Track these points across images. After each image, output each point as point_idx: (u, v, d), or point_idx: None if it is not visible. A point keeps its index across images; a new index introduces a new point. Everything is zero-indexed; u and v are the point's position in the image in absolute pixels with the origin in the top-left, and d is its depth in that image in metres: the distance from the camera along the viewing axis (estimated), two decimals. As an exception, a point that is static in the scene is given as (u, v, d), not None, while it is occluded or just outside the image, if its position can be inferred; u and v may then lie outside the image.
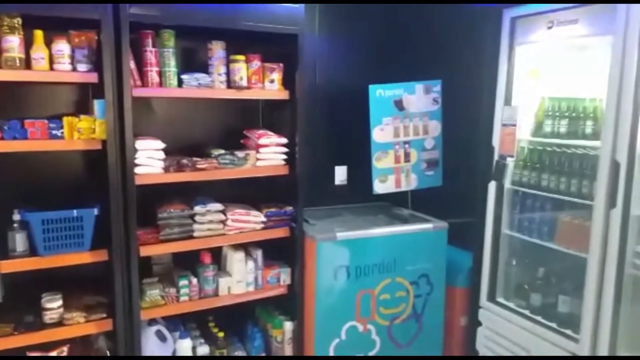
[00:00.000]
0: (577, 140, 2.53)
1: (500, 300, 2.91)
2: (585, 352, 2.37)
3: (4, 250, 2.21)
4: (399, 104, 3.05)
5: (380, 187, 3.08)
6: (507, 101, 2.72)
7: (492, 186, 2.85)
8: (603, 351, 2.31)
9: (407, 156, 3.13)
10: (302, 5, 2.59)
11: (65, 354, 2.37)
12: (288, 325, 2.85)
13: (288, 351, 2.86)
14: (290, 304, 2.85)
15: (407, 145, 3.11)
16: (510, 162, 2.75)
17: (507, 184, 2.81)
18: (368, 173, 3.04)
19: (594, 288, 2.33)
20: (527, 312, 2.74)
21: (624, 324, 2.31)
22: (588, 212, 2.35)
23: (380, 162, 3.06)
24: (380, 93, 2.99)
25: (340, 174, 3.35)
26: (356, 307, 2.83)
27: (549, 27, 2.48)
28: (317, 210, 3.20)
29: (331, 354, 2.81)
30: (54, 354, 2.35)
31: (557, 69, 2.68)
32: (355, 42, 3.34)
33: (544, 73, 2.71)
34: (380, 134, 3.03)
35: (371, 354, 2.91)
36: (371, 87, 2.96)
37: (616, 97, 2.19)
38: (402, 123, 3.07)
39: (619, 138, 2.19)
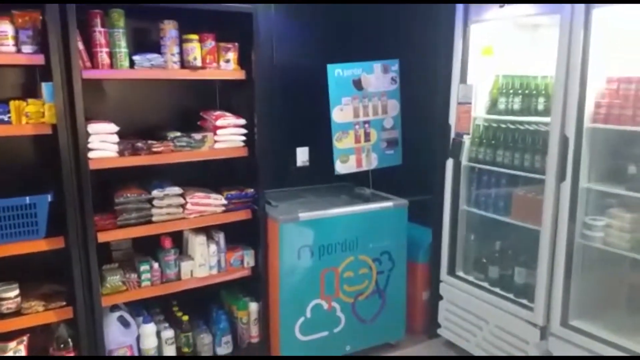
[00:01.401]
0: (529, 117, 2.61)
1: (460, 274, 3.00)
2: (540, 320, 2.48)
3: (-49, 240, 2.14)
4: (357, 84, 3.06)
5: (341, 167, 3.10)
6: (463, 79, 2.77)
7: (449, 163, 2.91)
8: (556, 318, 2.42)
9: (367, 136, 3.15)
10: (256, -17, 2.55)
11: (25, 343, 2.32)
12: (253, 306, 2.87)
13: (254, 331, 2.88)
14: (254, 285, 2.86)
15: (367, 125, 3.13)
16: (466, 139, 2.81)
17: (464, 161, 2.87)
18: (330, 154, 3.05)
19: (546, 259, 2.43)
20: (485, 285, 2.84)
21: (574, 292, 2.42)
22: (541, 186, 2.44)
23: (341, 142, 3.07)
24: (338, 72, 2.99)
25: (302, 155, 3.34)
26: (320, 285, 2.86)
27: (501, 6, 2.52)
28: (280, 192, 3.20)
29: (297, 332, 2.85)
30: (13, 343, 2.30)
31: (510, 47, 2.74)
32: (313, 20, 3.31)
33: (498, 51, 2.76)
34: (340, 114, 3.04)
35: (336, 330, 2.95)
36: (329, 66, 2.95)
37: (564, 73, 2.26)
38: (362, 103, 3.08)
39: (567, 113, 2.27)
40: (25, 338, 2.34)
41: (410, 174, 3.24)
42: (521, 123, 2.64)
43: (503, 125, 2.71)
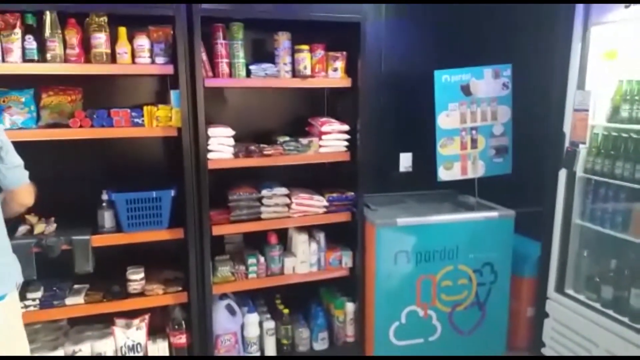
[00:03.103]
0: (657, 127, 2.38)
1: (569, 292, 2.82)
2: (659, 350, 2.25)
3: (95, 226, 2.47)
4: (465, 89, 3.00)
5: (445, 174, 3.05)
6: (580, 85, 2.60)
7: (562, 174, 2.74)
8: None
9: (474, 142, 3.07)
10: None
11: (146, 321, 2.62)
12: (350, 306, 2.94)
13: (350, 331, 2.96)
14: (351, 285, 2.93)
15: (474, 132, 3.05)
16: (582, 149, 2.63)
17: (579, 172, 2.69)
18: (433, 160, 3.02)
19: (670, 283, 2.20)
20: (597, 306, 2.63)
21: None
22: (666, 202, 2.22)
23: (446, 148, 3.03)
24: (446, 78, 2.95)
25: (405, 160, 3.35)
26: (417, 292, 2.86)
27: (627, 6, 2.33)
28: (382, 197, 3.23)
29: (391, 336, 2.87)
30: (137, 320, 2.60)
31: (636, 51, 2.51)
32: (422, 27, 3.31)
33: (622, 55, 2.55)
34: (445, 119, 3.00)
35: (431, 339, 2.93)
36: (437, 72, 2.93)
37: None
38: (469, 109, 3.02)
39: (701, 124, 2.04)
40: (146, 317, 2.63)
41: (519, 183, 3.10)
42: (647, 133, 2.42)
43: (625, 135, 2.49)
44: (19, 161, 1.85)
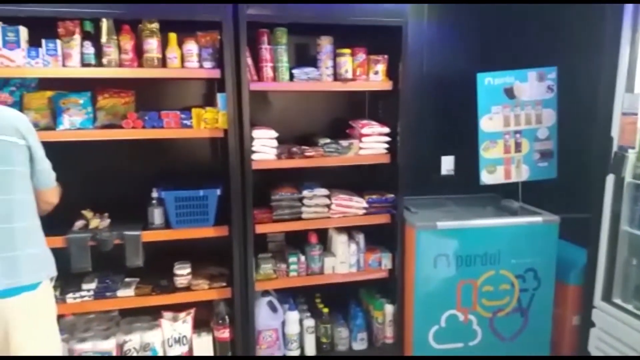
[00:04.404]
0: None
1: (617, 301, 2.72)
2: None
3: (145, 222, 2.60)
4: (509, 92, 2.96)
5: (488, 177, 3.02)
6: (629, 88, 2.52)
7: (610, 179, 2.66)
8: None
9: (517, 146, 3.03)
10: (407, -3, 2.65)
11: (192, 315, 2.72)
12: (389, 308, 2.96)
13: (389, 332, 2.97)
14: (391, 287, 2.95)
15: (518, 135, 3.01)
16: (631, 154, 2.55)
17: (628, 178, 2.60)
18: (476, 163, 3.00)
19: None
20: (646, 316, 2.54)
21: None
22: None
23: (489, 151, 3.00)
24: (489, 81, 2.93)
25: (447, 163, 3.34)
26: (457, 296, 2.84)
27: (680, 6, 2.25)
28: (422, 200, 3.23)
29: (430, 340, 2.87)
30: (183, 314, 2.71)
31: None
32: (465, 29, 3.29)
33: (676, 56, 2.46)
34: (488, 123, 2.97)
35: (472, 344, 2.90)
36: (479, 75, 2.91)
37: None
38: (513, 112, 2.98)
39: None
40: (192, 311, 2.74)
41: (564, 188, 3.03)
42: (702, 137, 2.32)
43: (677, 140, 2.40)
44: (48, 164, 2.00)
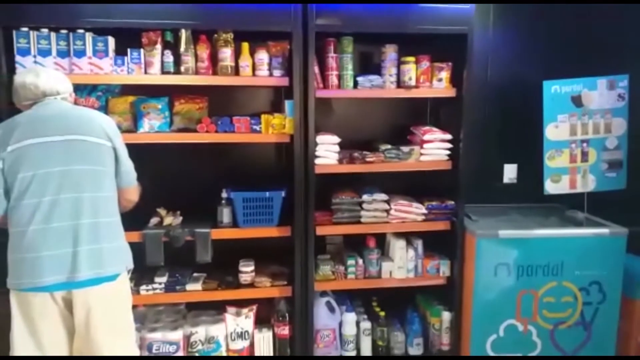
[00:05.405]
0: None
1: (689, 319, 2.62)
2: None
3: (214, 221, 2.74)
4: (577, 100, 2.90)
5: (552, 187, 2.97)
6: None
7: (684, 192, 2.56)
8: None
9: (584, 155, 2.95)
10: (473, 5, 2.65)
11: (254, 311, 2.84)
12: (446, 315, 2.96)
13: (445, 339, 2.97)
14: (448, 295, 2.95)
15: (584, 144, 2.94)
16: None
17: None
18: (540, 172, 2.95)
19: None
20: None
21: None
22: None
23: (554, 161, 2.95)
24: (555, 89, 2.88)
25: (510, 171, 3.29)
26: (517, 306, 2.80)
27: None
28: (484, 207, 3.19)
29: (488, 349, 2.85)
30: (246, 310, 2.83)
31: None
32: (531, 36, 3.24)
33: None
34: (554, 131, 2.92)
35: (531, 355, 2.85)
36: (545, 82, 2.86)
37: None
38: (580, 120, 2.92)
39: None
40: (254, 307, 2.85)
41: (634, 200, 2.93)
42: None
43: None
44: (131, 165, 2.16)
